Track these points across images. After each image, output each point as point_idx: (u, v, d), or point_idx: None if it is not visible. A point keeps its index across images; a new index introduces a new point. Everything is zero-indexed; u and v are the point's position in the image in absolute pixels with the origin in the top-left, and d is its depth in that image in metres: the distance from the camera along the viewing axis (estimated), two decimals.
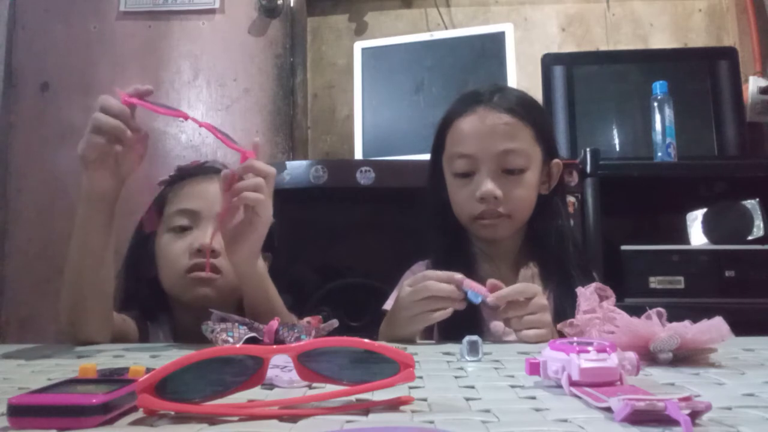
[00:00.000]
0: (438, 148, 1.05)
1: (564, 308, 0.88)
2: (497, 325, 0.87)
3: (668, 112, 1.47)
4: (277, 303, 0.88)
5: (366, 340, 0.42)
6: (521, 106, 1.00)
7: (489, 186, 0.95)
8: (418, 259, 1.09)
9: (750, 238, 1.44)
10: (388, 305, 1.01)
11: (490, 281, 0.80)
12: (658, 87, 1.50)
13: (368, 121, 1.76)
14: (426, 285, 0.78)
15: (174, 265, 0.93)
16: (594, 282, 0.73)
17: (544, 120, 1.05)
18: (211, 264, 0.90)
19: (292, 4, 1.92)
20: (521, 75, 1.77)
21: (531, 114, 1.00)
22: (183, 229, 0.94)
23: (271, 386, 0.48)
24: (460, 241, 1.04)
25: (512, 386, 0.49)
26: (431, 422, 0.38)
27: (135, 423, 0.39)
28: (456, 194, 1.01)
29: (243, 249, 0.82)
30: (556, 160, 1.03)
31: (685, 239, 1.56)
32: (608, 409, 0.38)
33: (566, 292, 0.89)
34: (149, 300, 0.98)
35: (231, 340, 0.69)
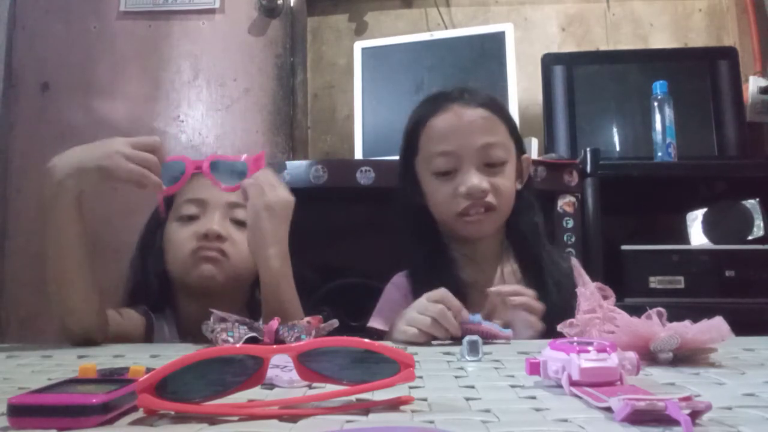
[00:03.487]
0: (409, 151, 1.03)
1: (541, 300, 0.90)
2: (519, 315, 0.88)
3: (668, 112, 1.47)
4: (291, 307, 0.85)
5: (366, 340, 0.42)
6: (492, 101, 1.02)
7: (475, 180, 0.95)
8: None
9: (750, 238, 1.44)
10: (372, 322, 1.00)
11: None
12: (658, 87, 1.50)
13: (368, 121, 1.76)
14: (443, 312, 0.77)
15: (180, 249, 0.95)
16: (571, 270, 0.73)
17: (511, 116, 1.07)
18: (216, 247, 0.93)
19: (292, 4, 1.92)
20: (521, 75, 1.77)
21: (501, 109, 1.02)
22: (191, 218, 0.96)
23: (271, 386, 0.48)
24: (438, 246, 1.02)
25: (512, 386, 0.49)
26: (431, 422, 0.38)
27: (135, 423, 0.39)
28: (437, 193, 1.00)
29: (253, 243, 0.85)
30: (525, 155, 1.05)
31: (685, 239, 1.56)
32: (608, 409, 0.38)
33: (540, 288, 0.92)
34: (157, 293, 0.99)
35: (231, 340, 0.69)
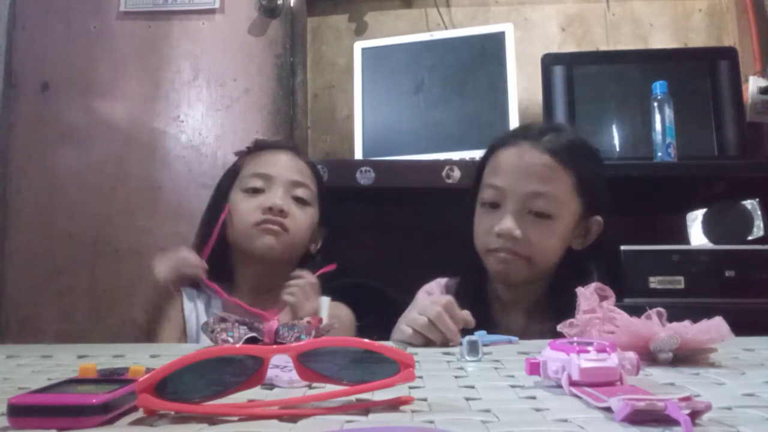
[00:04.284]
0: (478, 174, 1.02)
1: None
2: None
3: (668, 112, 1.47)
4: None
5: (366, 340, 0.42)
6: (569, 151, 0.94)
7: (508, 224, 0.92)
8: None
9: (750, 238, 1.44)
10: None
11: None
12: (658, 87, 1.49)
13: (368, 121, 1.76)
14: (440, 315, 0.75)
15: (245, 219, 1.04)
16: None
17: (593, 171, 0.98)
18: (279, 222, 1.02)
19: (292, 4, 1.92)
20: (521, 75, 1.77)
21: (578, 162, 0.94)
22: (256, 191, 1.05)
23: (271, 386, 0.48)
24: (478, 275, 1.00)
25: (512, 386, 0.49)
26: (431, 422, 0.38)
27: (135, 423, 0.39)
28: (479, 223, 0.98)
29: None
30: (597, 218, 0.97)
31: (685, 239, 1.56)
32: (608, 409, 0.38)
33: None
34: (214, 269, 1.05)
35: (231, 340, 0.69)
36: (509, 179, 0.94)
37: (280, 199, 1.03)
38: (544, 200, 0.92)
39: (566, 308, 0.80)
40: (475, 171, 1.03)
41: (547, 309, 0.95)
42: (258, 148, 1.12)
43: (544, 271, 0.96)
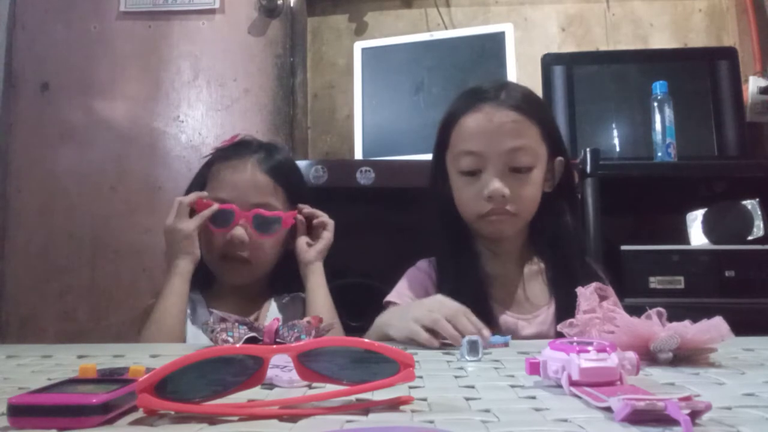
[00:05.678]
0: (442, 145, 1.04)
1: (567, 306, 0.88)
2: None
3: (668, 112, 1.47)
4: (327, 300, 1.04)
5: (366, 340, 0.42)
6: (527, 103, 0.99)
7: (497, 185, 0.94)
8: (417, 259, 1.09)
9: (750, 238, 1.44)
10: (391, 297, 1.01)
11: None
12: (658, 87, 1.49)
13: (368, 121, 1.76)
14: (458, 318, 0.75)
15: (211, 251, 1.03)
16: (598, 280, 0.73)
17: (548, 117, 1.05)
18: (240, 256, 1.02)
19: (292, 4, 1.92)
20: (521, 75, 1.77)
21: (537, 111, 0.99)
22: None
23: (271, 386, 0.48)
24: (464, 239, 1.03)
25: (512, 386, 0.49)
26: (431, 422, 0.38)
27: (135, 423, 0.39)
28: (462, 192, 1.00)
29: (312, 251, 1.05)
30: (559, 158, 1.02)
31: (685, 239, 1.56)
32: (608, 409, 0.38)
33: (570, 291, 0.89)
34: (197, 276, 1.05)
35: (231, 340, 0.69)
36: (485, 142, 0.96)
37: (240, 230, 1.01)
38: (522, 154, 0.96)
39: (547, 245, 1.01)
40: (437, 143, 1.05)
41: (532, 248, 1.04)
42: (219, 157, 1.07)
43: (526, 221, 1.01)
